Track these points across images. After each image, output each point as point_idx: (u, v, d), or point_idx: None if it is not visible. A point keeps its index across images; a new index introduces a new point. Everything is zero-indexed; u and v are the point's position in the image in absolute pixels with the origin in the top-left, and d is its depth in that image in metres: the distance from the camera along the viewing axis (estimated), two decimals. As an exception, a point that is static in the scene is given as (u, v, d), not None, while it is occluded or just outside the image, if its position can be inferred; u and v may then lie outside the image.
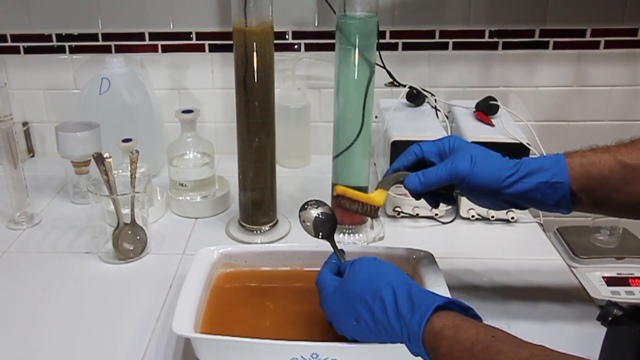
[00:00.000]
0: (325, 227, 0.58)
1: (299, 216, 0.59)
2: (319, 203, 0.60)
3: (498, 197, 0.52)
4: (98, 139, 0.85)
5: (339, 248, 0.59)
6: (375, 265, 0.51)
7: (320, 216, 0.59)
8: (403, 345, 0.50)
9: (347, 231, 0.80)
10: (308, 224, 0.58)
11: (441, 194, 0.57)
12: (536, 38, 1.01)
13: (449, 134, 0.87)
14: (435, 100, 0.94)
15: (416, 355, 0.45)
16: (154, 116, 0.98)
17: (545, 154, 0.81)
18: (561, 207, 0.51)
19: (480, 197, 0.53)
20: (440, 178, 0.52)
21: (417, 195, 0.56)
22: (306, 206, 0.59)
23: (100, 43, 1.02)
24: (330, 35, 1.00)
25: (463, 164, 0.51)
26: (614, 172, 0.49)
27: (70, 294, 0.68)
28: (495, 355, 0.38)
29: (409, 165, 0.56)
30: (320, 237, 0.59)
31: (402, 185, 0.56)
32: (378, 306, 0.47)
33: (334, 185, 0.59)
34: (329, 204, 0.61)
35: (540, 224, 0.84)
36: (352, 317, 0.48)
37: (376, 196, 0.57)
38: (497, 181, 0.51)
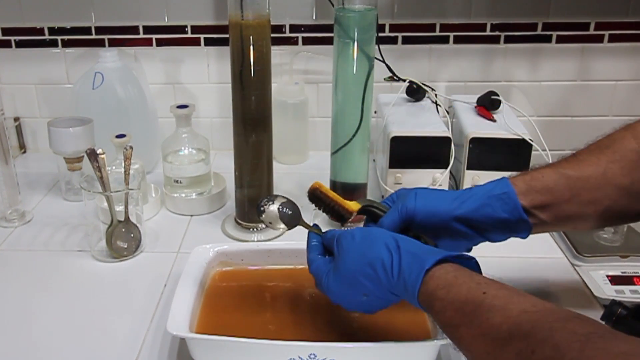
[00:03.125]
0: (293, 215, 0.58)
1: (262, 220, 0.57)
2: (270, 198, 0.58)
3: (452, 225, 0.53)
4: (91, 134, 0.84)
5: (311, 224, 0.58)
6: (361, 237, 0.50)
7: (282, 208, 0.58)
8: (403, 345, 0.49)
9: (346, 229, 0.78)
10: (275, 222, 0.57)
11: None
12: (539, 32, 0.99)
13: (450, 129, 0.85)
14: (436, 95, 0.93)
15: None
16: (148, 111, 0.96)
17: (548, 150, 0.79)
18: (520, 226, 0.52)
19: (437, 231, 0.53)
20: (393, 220, 0.53)
21: None
22: (262, 207, 0.57)
23: (94, 37, 1.00)
24: (328, 28, 0.98)
25: (408, 201, 0.53)
26: (559, 184, 0.51)
27: (62, 293, 0.67)
28: (486, 314, 0.39)
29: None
30: (292, 226, 0.58)
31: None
32: (381, 273, 0.46)
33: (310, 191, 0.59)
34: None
35: (543, 221, 0.83)
36: (360, 293, 0.48)
37: (351, 204, 0.58)
38: (444, 206, 0.52)
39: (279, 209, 0.57)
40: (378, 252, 0.47)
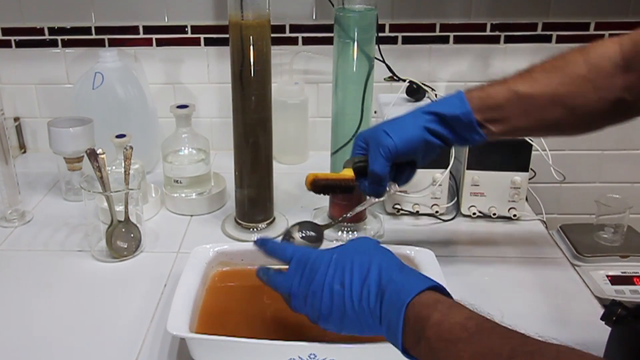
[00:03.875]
0: (316, 232, 0.61)
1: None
2: (288, 233, 0.61)
3: (426, 139, 0.57)
4: (91, 134, 0.84)
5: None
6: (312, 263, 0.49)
7: (304, 233, 0.60)
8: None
9: (346, 229, 0.78)
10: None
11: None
12: (539, 32, 0.99)
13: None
14: (436, 95, 0.93)
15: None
16: (148, 111, 0.96)
17: (548, 150, 0.79)
18: (474, 137, 0.57)
19: (415, 151, 0.58)
20: (382, 166, 0.57)
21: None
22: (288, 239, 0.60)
23: (94, 37, 1.00)
24: (328, 28, 0.98)
25: (384, 140, 0.56)
26: (510, 101, 0.55)
27: (62, 293, 0.67)
28: (488, 332, 0.38)
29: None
30: (321, 240, 0.60)
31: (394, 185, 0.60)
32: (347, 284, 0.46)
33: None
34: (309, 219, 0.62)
35: (543, 222, 0.83)
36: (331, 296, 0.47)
37: (345, 171, 0.60)
38: (415, 130, 0.57)
39: (302, 236, 0.60)
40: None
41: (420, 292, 0.42)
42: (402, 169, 0.60)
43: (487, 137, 0.56)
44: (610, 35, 0.99)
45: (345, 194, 0.61)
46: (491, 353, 0.36)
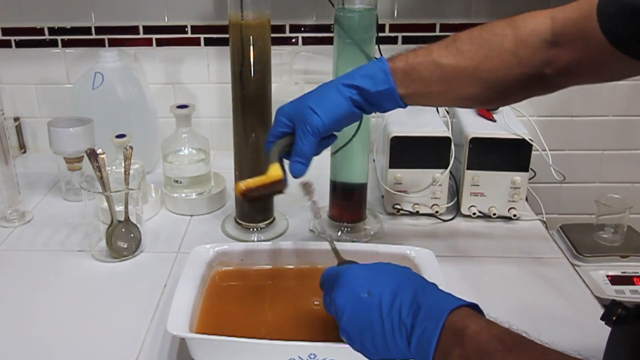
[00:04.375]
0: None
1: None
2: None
3: (352, 112, 0.57)
4: (91, 134, 0.84)
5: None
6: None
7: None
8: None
9: (345, 229, 0.78)
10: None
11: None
12: (538, 32, 0.99)
13: (450, 129, 0.85)
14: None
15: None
16: (148, 111, 0.96)
17: (548, 150, 0.79)
18: (394, 105, 0.57)
19: (340, 123, 0.58)
20: (309, 144, 0.56)
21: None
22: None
23: (94, 37, 1.00)
24: (328, 28, 0.98)
25: (313, 119, 0.55)
26: (434, 74, 0.55)
27: (62, 293, 0.67)
28: (528, 346, 0.38)
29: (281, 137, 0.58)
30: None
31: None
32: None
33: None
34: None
35: (543, 222, 0.83)
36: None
37: (272, 172, 0.57)
38: (342, 107, 0.56)
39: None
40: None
41: (459, 307, 0.42)
42: (322, 141, 0.58)
43: (405, 106, 0.57)
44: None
45: (278, 194, 0.59)
46: None
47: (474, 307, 0.43)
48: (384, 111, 0.58)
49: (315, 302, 0.60)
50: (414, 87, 0.56)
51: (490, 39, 0.54)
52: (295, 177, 0.57)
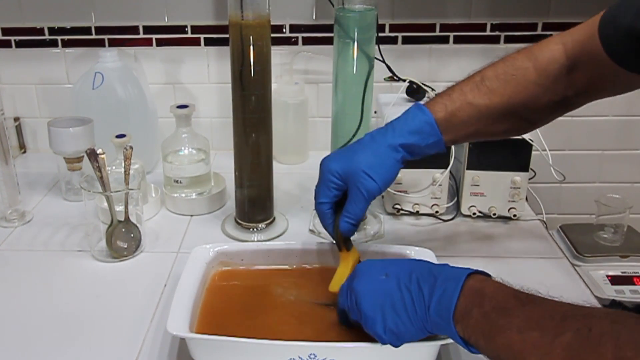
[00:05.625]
0: None
1: None
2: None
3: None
4: (91, 134, 0.84)
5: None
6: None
7: None
8: (402, 345, 0.49)
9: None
10: None
11: None
12: (539, 32, 0.99)
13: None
14: (436, 95, 0.93)
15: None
16: (148, 111, 0.96)
17: (548, 150, 0.79)
18: (436, 150, 0.59)
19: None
20: (363, 208, 0.57)
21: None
22: None
23: (94, 37, 1.00)
24: (328, 28, 0.98)
25: (368, 183, 0.57)
26: (472, 116, 0.57)
27: (62, 293, 0.67)
28: (540, 301, 0.41)
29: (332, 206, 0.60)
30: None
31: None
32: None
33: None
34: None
35: (543, 222, 0.83)
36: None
37: (352, 258, 0.59)
38: (394, 167, 0.58)
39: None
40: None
41: (474, 272, 0.45)
42: None
43: (446, 150, 0.60)
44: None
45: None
46: (544, 317, 0.38)
47: (487, 275, 0.46)
48: (424, 157, 0.60)
49: (313, 302, 0.60)
50: (455, 132, 0.58)
51: (514, 74, 0.56)
52: (345, 236, 0.59)
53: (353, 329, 0.53)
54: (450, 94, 0.58)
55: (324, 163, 0.59)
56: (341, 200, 0.59)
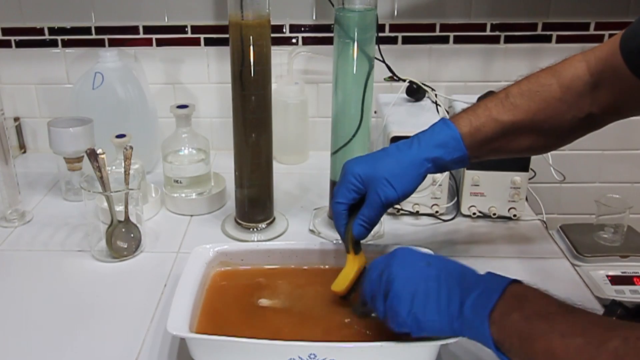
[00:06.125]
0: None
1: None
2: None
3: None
4: (91, 134, 0.84)
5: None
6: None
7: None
8: (403, 345, 0.49)
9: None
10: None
11: None
12: (539, 32, 0.99)
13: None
14: (436, 95, 0.93)
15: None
16: (148, 111, 0.96)
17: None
18: (461, 165, 0.60)
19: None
20: (378, 214, 0.58)
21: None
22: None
23: (94, 37, 1.00)
24: (328, 28, 0.98)
25: (388, 191, 0.57)
26: (496, 132, 0.58)
27: (62, 293, 0.67)
28: (586, 311, 0.41)
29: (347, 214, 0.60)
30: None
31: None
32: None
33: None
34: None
35: (543, 222, 0.83)
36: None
37: (359, 262, 0.59)
38: (416, 179, 0.58)
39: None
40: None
41: (517, 281, 0.45)
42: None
43: (469, 165, 0.60)
44: (610, 35, 0.99)
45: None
46: (589, 325, 0.38)
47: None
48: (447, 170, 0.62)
49: (311, 294, 0.59)
50: (479, 147, 0.58)
51: (538, 90, 0.57)
52: (356, 238, 0.59)
53: (360, 322, 0.54)
54: (475, 109, 0.59)
55: (347, 165, 0.60)
56: (357, 204, 0.59)
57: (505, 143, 0.58)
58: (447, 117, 0.89)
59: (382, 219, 0.81)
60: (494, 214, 0.81)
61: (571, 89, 0.56)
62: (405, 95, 0.93)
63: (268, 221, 0.79)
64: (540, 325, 0.40)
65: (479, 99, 0.89)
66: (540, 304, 0.42)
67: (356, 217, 0.58)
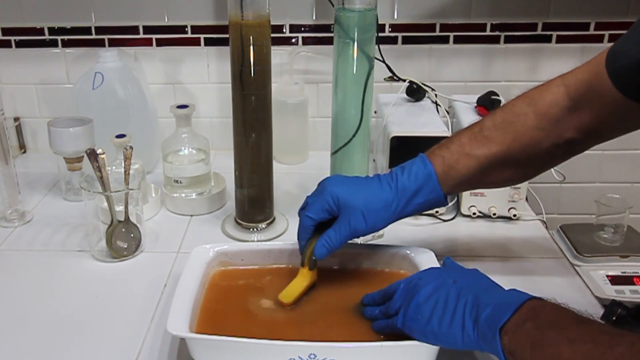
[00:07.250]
0: None
1: None
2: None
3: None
4: (91, 134, 0.84)
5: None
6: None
7: None
8: (403, 345, 0.49)
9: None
10: None
11: None
12: (539, 32, 0.99)
13: (450, 129, 0.85)
14: (436, 95, 0.93)
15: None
16: (148, 111, 0.96)
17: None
18: (438, 205, 0.59)
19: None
20: (343, 240, 0.58)
21: None
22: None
23: (94, 37, 1.00)
24: (328, 28, 0.99)
25: (359, 224, 0.57)
26: (471, 168, 0.57)
27: (62, 293, 0.67)
28: (597, 321, 0.42)
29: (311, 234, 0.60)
30: None
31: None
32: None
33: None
34: None
35: (543, 222, 0.83)
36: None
37: (308, 276, 0.60)
38: (388, 219, 0.58)
39: None
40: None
41: (537, 297, 0.46)
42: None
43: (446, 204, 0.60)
44: (610, 35, 0.99)
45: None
46: (598, 332, 0.39)
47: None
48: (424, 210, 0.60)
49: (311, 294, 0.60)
50: (453, 183, 0.58)
51: (513, 121, 0.56)
52: (316, 257, 0.59)
53: (361, 322, 0.55)
54: (449, 145, 0.58)
55: (328, 184, 0.59)
56: (324, 223, 0.59)
57: (482, 177, 0.58)
58: (447, 117, 0.89)
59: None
60: (494, 214, 0.81)
61: (548, 116, 0.55)
62: (405, 95, 0.93)
63: (268, 221, 0.79)
64: (550, 333, 0.40)
65: (479, 99, 0.90)
66: (556, 316, 0.42)
67: (321, 237, 0.58)
